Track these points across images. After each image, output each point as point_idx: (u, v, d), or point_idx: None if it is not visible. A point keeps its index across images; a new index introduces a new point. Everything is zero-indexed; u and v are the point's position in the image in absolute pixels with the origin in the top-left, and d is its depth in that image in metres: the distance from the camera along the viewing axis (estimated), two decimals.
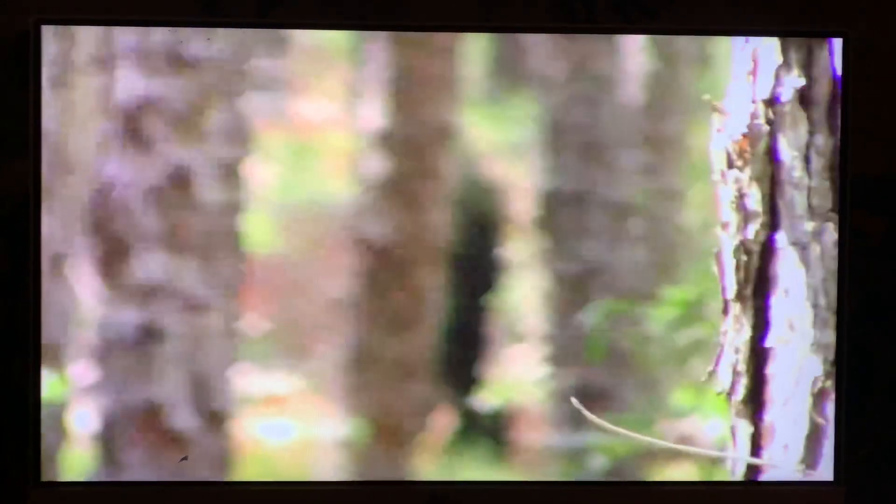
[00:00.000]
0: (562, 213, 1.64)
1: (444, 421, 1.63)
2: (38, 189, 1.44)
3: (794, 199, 1.61)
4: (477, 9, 1.58)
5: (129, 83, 1.59)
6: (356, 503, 1.52)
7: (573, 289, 1.65)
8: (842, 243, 1.49)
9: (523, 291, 1.64)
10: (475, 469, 1.64)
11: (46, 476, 1.47)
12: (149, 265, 1.60)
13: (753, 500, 1.49)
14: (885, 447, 1.58)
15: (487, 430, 1.63)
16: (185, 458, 1.52)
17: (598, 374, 1.64)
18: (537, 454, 1.65)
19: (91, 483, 1.48)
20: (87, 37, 1.58)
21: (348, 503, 1.51)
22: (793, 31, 1.50)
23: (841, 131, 1.50)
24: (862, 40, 1.50)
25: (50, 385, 1.63)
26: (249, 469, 1.63)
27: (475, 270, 1.64)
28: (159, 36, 1.55)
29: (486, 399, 1.65)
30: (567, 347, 1.64)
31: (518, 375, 1.65)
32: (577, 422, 1.62)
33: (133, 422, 1.61)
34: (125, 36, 1.55)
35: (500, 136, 1.64)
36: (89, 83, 1.60)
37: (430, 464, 1.64)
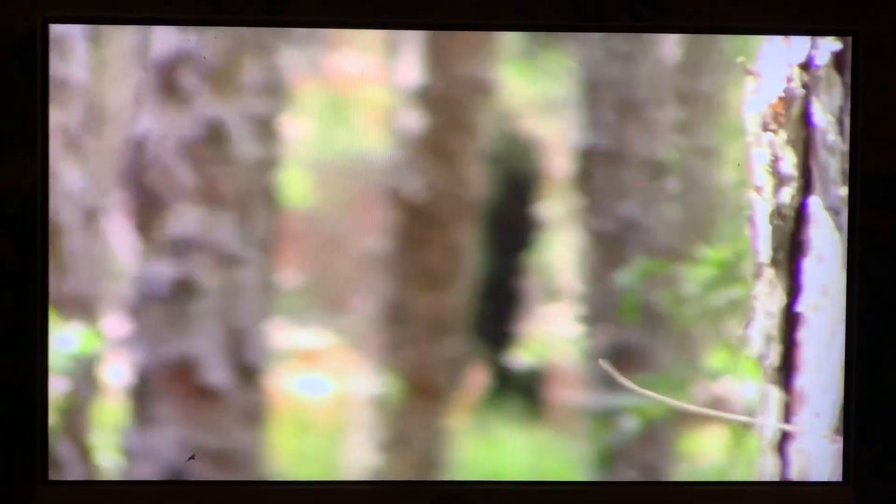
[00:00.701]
0: (597, 171, 1.63)
1: (477, 378, 1.62)
2: (46, 185, 1.44)
3: (829, 163, 1.60)
4: (484, 6, 1.60)
5: (164, 37, 1.59)
6: (366, 502, 1.52)
7: (608, 247, 1.64)
8: (851, 241, 1.49)
9: (558, 249, 1.63)
10: (507, 427, 1.64)
11: (54, 472, 1.49)
12: (184, 219, 1.60)
13: (762, 499, 1.49)
14: (894, 448, 1.58)
15: (520, 388, 1.63)
16: (192, 458, 1.52)
17: (633, 334, 1.63)
18: (569, 414, 1.64)
19: (97, 482, 1.48)
20: None
21: (357, 502, 1.52)
22: (802, 29, 1.51)
23: (850, 129, 1.51)
24: (872, 38, 1.51)
25: (83, 338, 1.65)
26: (282, 425, 1.63)
27: (510, 227, 1.63)
28: None
29: (519, 357, 1.64)
30: (601, 306, 1.63)
31: (552, 334, 1.64)
32: (610, 382, 1.62)
33: (166, 376, 1.61)
34: None
35: (536, 91, 1.62)
36: (123, 37, 1.59)
37: (462, 421, 1.64)
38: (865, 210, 1.50)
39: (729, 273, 1.61)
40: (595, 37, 1.61)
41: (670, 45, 1.62)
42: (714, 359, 1.63)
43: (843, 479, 1.48)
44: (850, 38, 1.52)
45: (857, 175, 1.49)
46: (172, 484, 1.49)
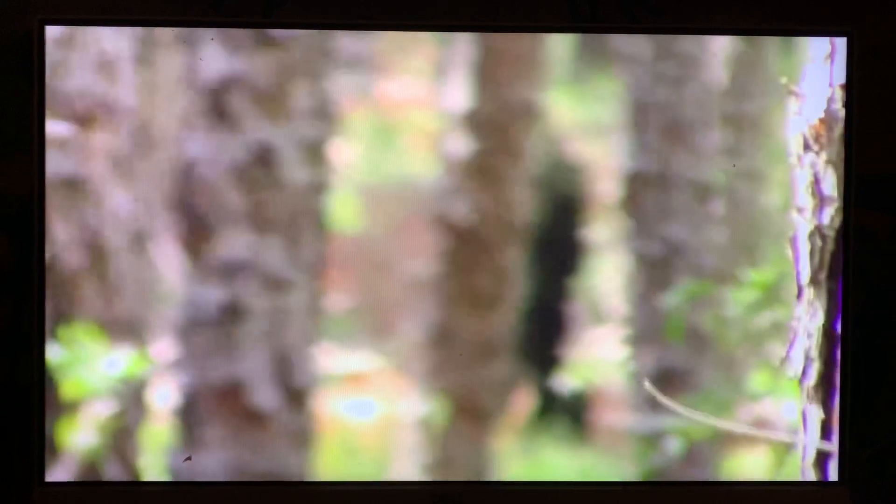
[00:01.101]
0: (644, 194, 1.63)
1: (523, 401, 1.62)
2: (43, 186, 1.43)
3: None
4: (481, 8, 1.60)
5: (214, 60, 1.58)
6: (363, 503, 1.52)
7: (654, 270, 1.64)
8: (846, 241, 1.51)
9: (605, 272, 1.63)
10: (552, 449, 1.64)
11: (50, 475, 1.48)
12: (232, 243, 1.60)
13: (759, 499, 1.50)
14: (890, 448, 1.59)
15: (566, 411, 1.63)
16: (188, 459, 1.52)
17: (678, 356, 1.64)
18: (614, 436, 1.64)
19: (95, 483, 1.48)
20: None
21: (356, 502, 1.52)
22: (797, 31, 1.51)
23: (846, 129, 1.51)
24: (867, 39, 1.51)
25: (131, 361, 1.64)
26: (330, 447, 1.64)
27: (557, 251, 1.63)
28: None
29: (565, 380, 1.64)
30: (647, 328, 1.64)
31: (598, 356, 1.64)
32: (655, 404, 1.62)
33: (214, 399, 1.61)
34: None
35: (583, 115, 1.62)
36: (173, 60, 1.59)
37: (508, 444, 1.64)
38: (861, 210, 1.52)
39: (772, 294, 1.62)
40: (644, 60, 1.61)
41: (716, 69, 1.63)
42: (756, 380, 1.64)
43: (838, 479, 1.49)
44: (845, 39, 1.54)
45: (853, 175, 1.49)
46: (171, 485, 1.50)
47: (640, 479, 1.58)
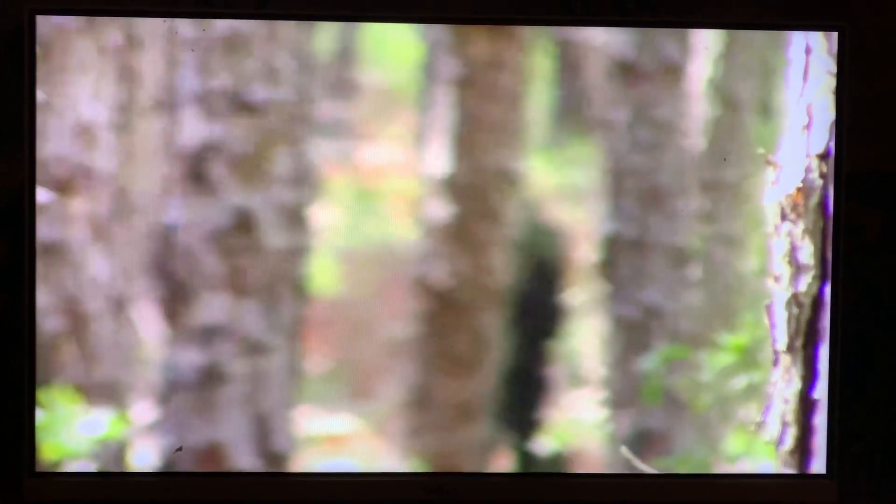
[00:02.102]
0: (621, 258, 1.62)
1: (502, 464, 1.62)
2: (33, 181, 1.42)
3: None
4: (474, 2, 1.57)
5: (192, 126, 1.57)
6: (355, 494, 1.51)
7: (632, 333, 1.63)
8: (836, 238, 1.49)
9: (583, 336, 1.63)
10: None
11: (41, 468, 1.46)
12: (211, 307, 1.59)
13: (748, 493, 1.50)
14: (879, 441, 1.59)
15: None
16: (179, 449, 1.52)
17: (654, 418, 1.63)
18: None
19: (85, 473, 1.47)
20: (150, 77, 1.57)
21: (347, 494, 1.50)
22: (789, 25, 1.49)
23: (836, 125, 1.50)
24: (858, 34, 1.50)
25: (111, 423, 1.62)
26: None
27: (535, 314, 1.63)
28: (220, 81, 1.53)
29: (544, 442, 1.64)
30: (624, 391, 1.63)
31: (576, 419, 1.63)
32: (633, 466, 1.62)
33: (194, 462, 1.59)
34: (187, 81, 1.54)
35: (561, 180, 1.62)
36: (151, 126, 1.57)
37: None
38: (851, 207, 1.51)
39: (748, 358, 1.61)
40: (620, 126, 1.60)
41: (694, 135, 1.62)
42: (733, 442, 1.63)
43: (827, 472, 1.49)
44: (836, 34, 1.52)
45: (843, 172, 1.47)
46: (159, 476, 1.49)
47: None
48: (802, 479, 1.51)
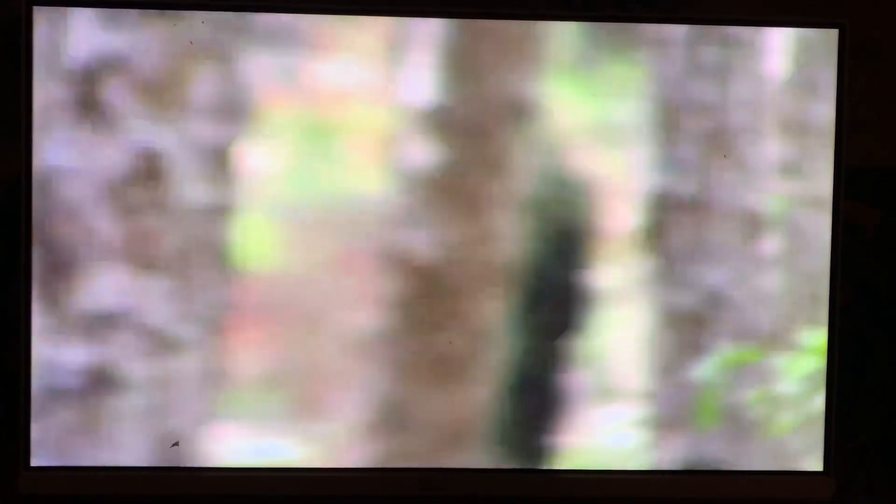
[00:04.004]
0: (673, 225, 1.47)
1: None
2: (30, 172, 1.41)
3: None
4: None
5: (83, 35, 1.43)
6: (350, 489, 1.46)
7: (684, 329, 1.48)
8: (835, 235, 1.47)
9: (617, 332, 1.48)
10: None
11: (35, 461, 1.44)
12: (103, 287, 1.43)
13: (745, 489, 1.48)
14: (875, 438, 1.59)
15: None
16: (176, 444, 1.44)
17: (712, 445, 1.48)
18: None
19: (80, 468, 1.44)
20: None
21: (341, 489, 1.46)
22: (789, 22, 1.47)
23: (836, 123, 1.46)
24: (858, 31, 1.54)
25: None
26: None
27: (553, 302, 1.47)
28: None
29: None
30: (672, 409, 1.49)
31: (605, 445, 1.48)
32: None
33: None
34: None
35: (593, 116, 1.45)
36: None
37: None
38: (850, 204, 1.54)
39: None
40: (677, 41, 1.46)
41: (776, 57, 1.46)
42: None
43: (823, 469, 1.48)
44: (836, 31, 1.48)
45: (843, 169, 1.45)
46: (155, 470, 1.44)
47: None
48: (799, 475, 1.48)
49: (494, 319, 1.46)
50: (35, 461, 1.43)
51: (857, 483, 1.58)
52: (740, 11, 1.58)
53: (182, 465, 1.44)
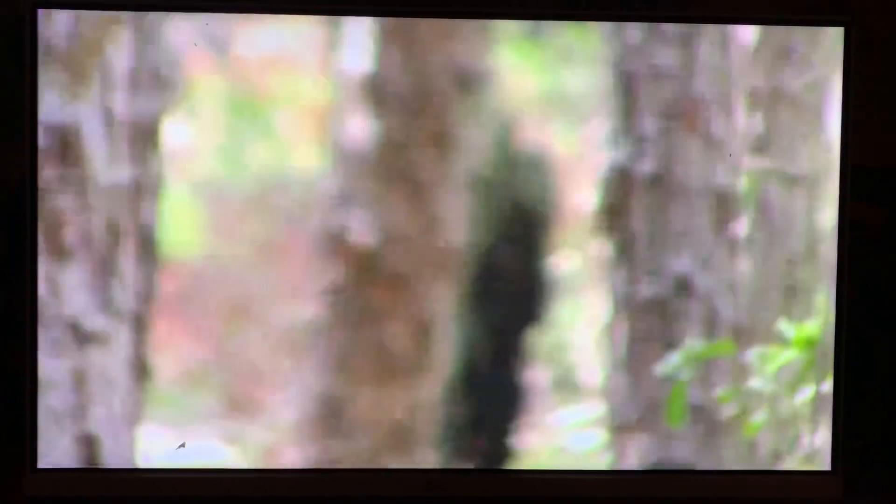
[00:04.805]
0: (636, 207, 1.43)
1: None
2: (35, 175, 1.40)
3: None
4: None
5: None
6: (354, 490, 1.44)
7: (649, 321, 1.44)
8: (841, 234, 1.46)
9: (576, 323, 1.43)
10: None
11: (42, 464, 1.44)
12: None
13: (752, 489, 1.47)
14: (883, 437, 1.59)
15: None
16: (182, 446, 1.42)
17: (680, 447, 1.44)
18: None
19: (86, 470, 1.43)
20: None
21: (346, 490, 1.44)
22: (794, 20, 1.46)
23: (842, 121, 1.45)
24: (863, 29, 1.55)
25: None
26: None
27: (507, 290, 1.44)
28: None
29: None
30: (636, 407, 1.45)
31: (565, 447, 1.43)
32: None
33: None
34: None
35: (547, 87, 1.41)
36: None
37: None
38: (856, 203, 1.49)
39: (822, 358, 1.43)
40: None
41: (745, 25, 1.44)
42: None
43: (831, 468, 1.47)
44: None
45: (848, 168, 1.45)
46: (162, 472, 1.43)
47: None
48: (807, 475, 1.47)
49: (441, 310, 1.42)
50: None
51: (864, 482, 1.56)
52: (745, 10, 1.56)
53: (188, 466, 1.43)
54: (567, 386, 1.44)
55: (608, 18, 1.44)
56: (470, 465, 1.44)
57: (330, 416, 1.42)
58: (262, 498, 1.45)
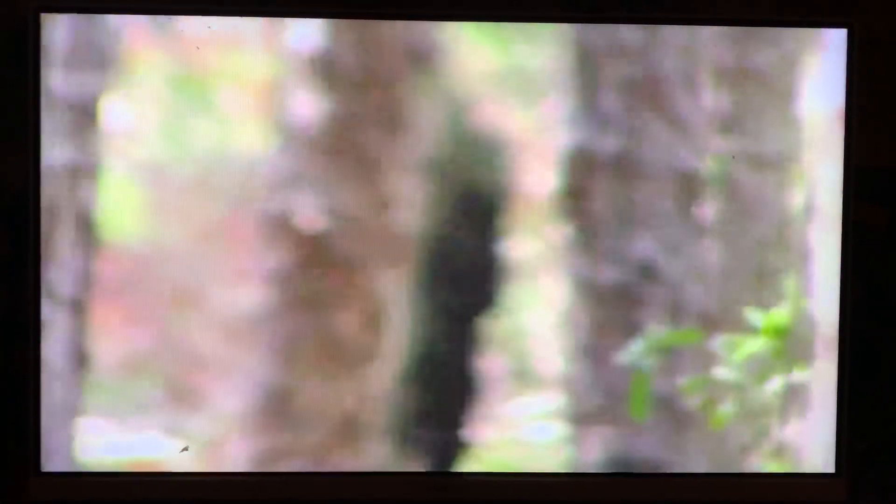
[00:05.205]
0: (597, 189, 1.40)
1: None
2: (38, 177, 1.40)
3: None
4: None
5: None
6: (359, 494, 1.43)
7: (610, 307, 1.42)
8: (845, 235, 1.46)
9: (534, 310, 1.41)
10: None
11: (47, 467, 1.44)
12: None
13: (756, 492, 1.47)
14: (887, 439, 1.58)
15: None
16: (185, 449, 1.41)
17: (643, 441, 1.42)
18: None
19: (90, 473, 1.42)
20: None
21: (351, 494, 1.44)
22: (797, 22, 1.46)
23: (845, 122, 1.44)
24: (867, 31, 1.54)
25: None
26: None
27: (462, 276, 1.42)
28: None
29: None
30: (596, 398, 1.42)
31: (522, 440, 1.42)
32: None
33: None
34: None
35: (504, 65, 1.40)
36: None
37: None
38: (859, 204, 1.51)
39: (791, 346, 1.40)
40: None
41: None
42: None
43: (835, 470, 1.47)
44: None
45: (852, 169, 1.46)
46: (165, 475, 1.43)
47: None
48: (811, 477, 1.46)
49: (393, 296, 1.40)
50: None
51: (868, 484, 1.56)
52: (747, 11, 1.55)
53: (193, 470, 1.42)
54: (524, 375, 1.41)
55: (610, 20, 1.43)
56: (424, 460, 1.40)
57: (277, 407, 1.39)
58: (260, 501, 1.44)
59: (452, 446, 1.40)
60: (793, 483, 1.48)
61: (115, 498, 1.46)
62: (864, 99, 1.52)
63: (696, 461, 1.43)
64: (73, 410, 1.37)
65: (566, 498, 1.47)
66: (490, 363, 1.41)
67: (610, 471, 1.44)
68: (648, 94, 1.41)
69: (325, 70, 1.38)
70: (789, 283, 1.41)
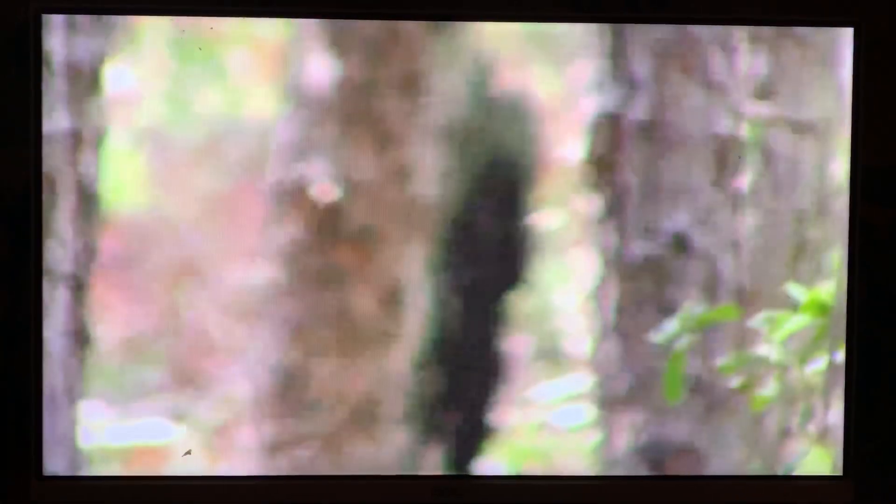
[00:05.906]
0: (629, 157, 1.37)
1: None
2: (40, 178, 1.39)
3: None
4: None
5: None
6: (360, 497, 1.42)
7: (642, 284, 1.39)
8: (851, 235, 1.44)
9: (562, 287, 1.38)
10: None
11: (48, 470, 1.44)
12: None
13: (763, 494, 1.46)
14: (894, 442, 1.60)
15: None
16: (188, 453, 1.39)
17: (677, 425, 1.38)
18: None
19: (92, 477, 1.41)
20: None
21: (351, 497, 1.42)
22: (803, 21, 1.44)
23: (852, 122, 1.42)
24: (873, 30, 1.56)
25: None
26: None
27: (485, 251, 1.39)
28: None
29: (497, 463, 1.39)
30: (628, 380, 1.39)
31: (549, 423, 1.37)
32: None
33: None
34: None
35: (529, 25, 1.37)
36: None
37: None
38: (865, 204, 1.50)
39: (836, 325, 1.37)
40: None
41: None
42: (810, 463, 1.41)
43: (843, 472, 1.46)
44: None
45: (858, 168, 1.44)
46: (168, 479, 1.42)
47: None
48: (818, 479, 1.45)
49: (412, 272, 1.37)
50: None
51: (876, 486, 1.55)
52: (754, 10, 1.55)
53: (197, 474, 1.40)
54: (551, 356, 1.38)
55: (614, 20, 1.40)
56: (446, 445, 1.36)
57: (288, 391, 1.36)
58: None
59: (476, 432, 1.38)
60: (800, 485, 1.47)
61: (116, 501, 1.45)
62: (871, 98, 1.50)
63: (731, 447, 1.39)
64: (72, 393, 1.34)
65: (567, 499, 1.45)
66: (515, 343, 1.38)
67: (642, 454, 1.39)
68: (684, 57, 1.38)
69: (339, 32, 1.33)
70: (833, 257, 1.36)
